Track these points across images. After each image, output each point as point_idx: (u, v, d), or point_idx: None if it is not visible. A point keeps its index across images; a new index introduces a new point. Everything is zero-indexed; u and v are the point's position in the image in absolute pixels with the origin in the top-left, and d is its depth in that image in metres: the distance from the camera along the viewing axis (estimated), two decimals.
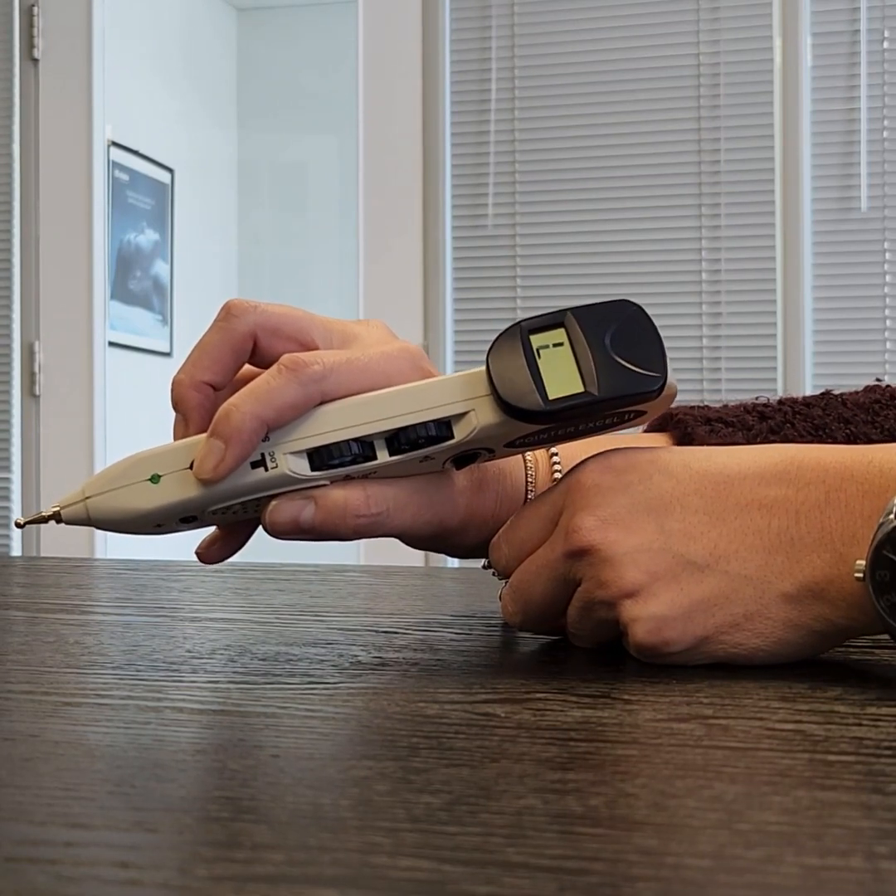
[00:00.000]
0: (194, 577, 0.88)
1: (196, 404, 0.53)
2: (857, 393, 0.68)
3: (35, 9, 3.44)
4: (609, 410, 0.51)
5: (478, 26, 3.26)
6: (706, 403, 0.67)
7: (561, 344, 0.50)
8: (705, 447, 0.53)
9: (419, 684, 0.47)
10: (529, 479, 0.59)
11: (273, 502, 0.52)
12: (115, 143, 3.93)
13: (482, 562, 0.64)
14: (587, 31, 3.21)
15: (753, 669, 0.49)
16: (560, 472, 0.60)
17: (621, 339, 0.50)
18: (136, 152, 4.15)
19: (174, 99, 4.48)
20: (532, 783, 0.34)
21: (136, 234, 4.21)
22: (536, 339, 0.50)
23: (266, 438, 0.51)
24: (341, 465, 0.51)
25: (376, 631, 0.61)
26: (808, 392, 3.01)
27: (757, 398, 0.67)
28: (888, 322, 3.04)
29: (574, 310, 0.50)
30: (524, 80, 3.24)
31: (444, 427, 0.51)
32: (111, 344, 3.64)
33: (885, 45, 3.04)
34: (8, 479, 3.44)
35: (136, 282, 4.19)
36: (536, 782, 0.34)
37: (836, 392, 0.68)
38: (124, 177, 4.09)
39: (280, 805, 0.32)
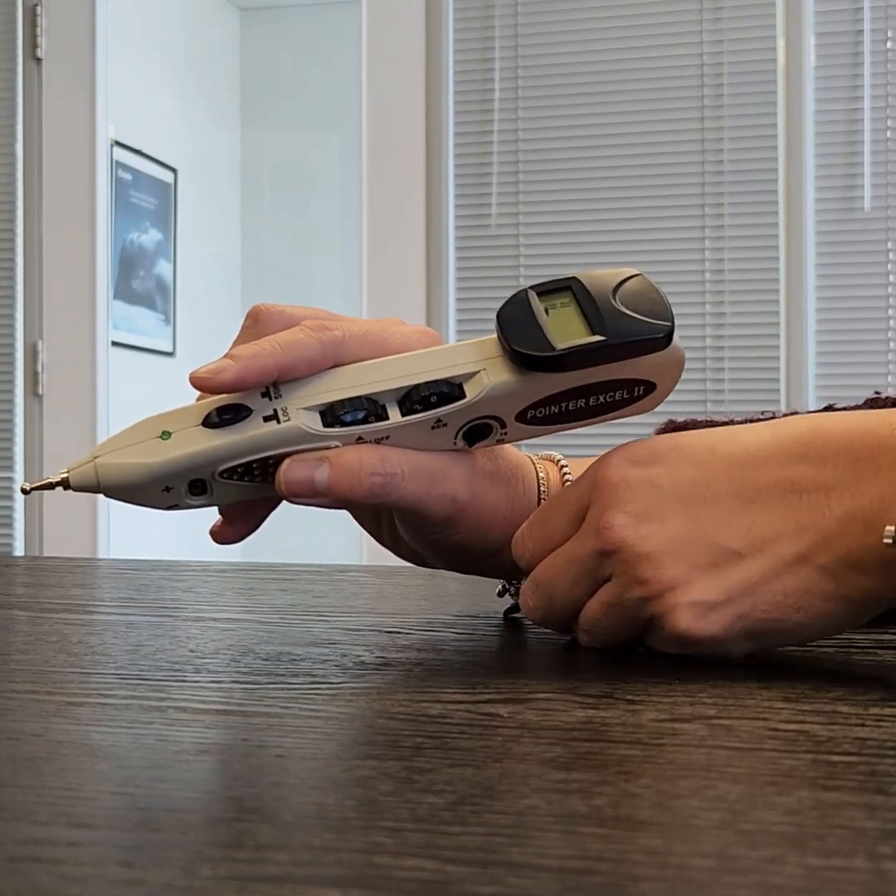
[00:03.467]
0: (198, 576, 0.88)
1: (241, 372, 0.53)
2: (858, 406, 0.68)
3: (38, 8, 3.44)
4: (620, 356, 0.50)
5: (481, 26, 3.26)
6: (709, 413, 0.67)
7: (568, 303, 0.51)
8: (727, 427, 0.52)
9: (422, 684, 0.47)
10: (542, 486, 0.58)
11: (287, 461, 0.51)
12: (118, 143, 3.93)
13: (497, 588, 0.64)
14: (590, 31, 3.21)
15: (754, 670, 0.49)
16: (571, 481, 0.60)
17: (627, 295, 0.51)
18: (139, 152, 4.15)
19: (177, 98, 4.49)
20: (536, 783, 0.34)
21: (139, 234, 4.21)
22: (544, 301, 0.51)
23: (279, 395, 0.51)
24: (353, 423, 0.51)
25: (380, 631, 0.61)
26: (812, 394, 2.99)
27: (763, 413, 0.67)
28: (892, 322, 3.04)
29: (579, 275, 0.52)
30: (527, 80, 3.24)
31: (456, 388, 0.51)
32: (114, 344, 3.64)
33: (889, 44, 3.04)
34: (10, 479, 3.44)
35: (139, 281, 4.19)
36: (540, 782, 0.34)
37: (840, 405, 0.68)
38: (127, 176, 4.09)
39: (284, 805, 0.32)
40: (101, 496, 0.52)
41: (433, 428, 0.52)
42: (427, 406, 0.51)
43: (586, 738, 0.39)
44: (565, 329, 0.50)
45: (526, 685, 0.47)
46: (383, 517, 0.60)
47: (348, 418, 0.51)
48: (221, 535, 0.56)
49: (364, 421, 0.51)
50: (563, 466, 0.60)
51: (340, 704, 0.44)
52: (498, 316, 0.51)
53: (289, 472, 0.51)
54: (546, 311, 0.51)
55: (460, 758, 0.36)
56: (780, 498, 0.49)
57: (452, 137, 3.28)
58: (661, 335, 0.51)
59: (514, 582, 0.61)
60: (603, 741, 0.39)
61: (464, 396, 0.51)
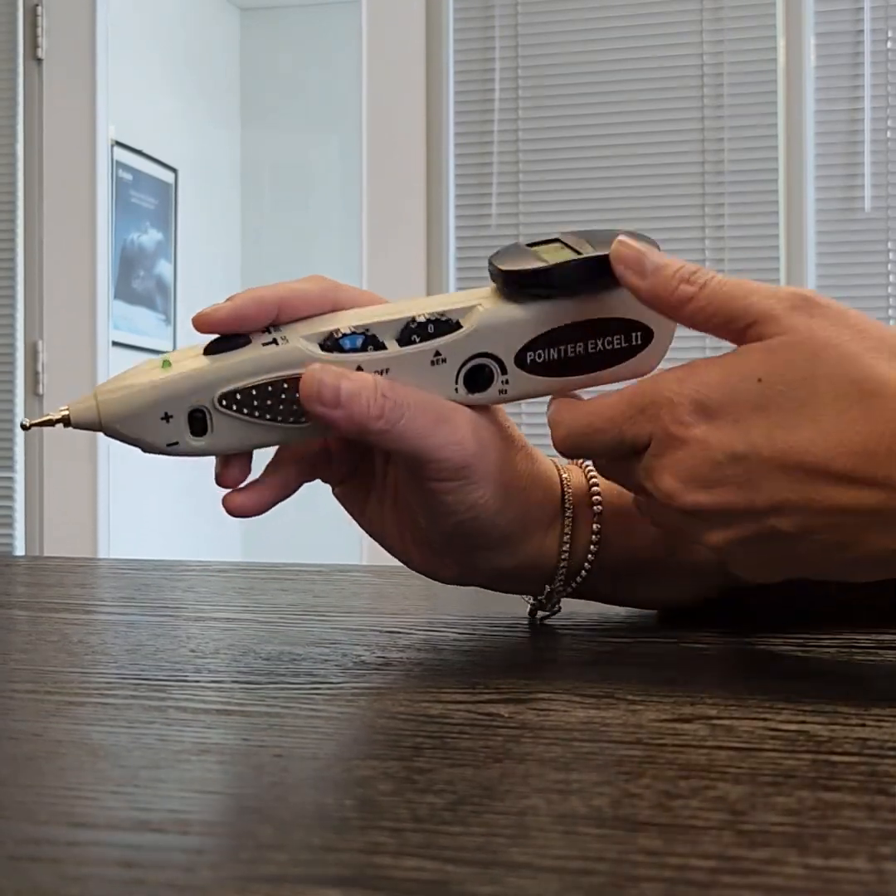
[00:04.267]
0: (198, 576, 0.88)
1: (241, 306, 0.53)
2: None
3: (39, 8, 3.44)
4: (608, 271, 0.51)
5: (481, 25, 3.26)
6: None
7: (558, 247, 0.53)
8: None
9: (423, 684, 0.47)
10: (567, 492, 0.57)
11: (315, 364, 0.50)
12: (118, 143, 3.93)
13: (528, 605, 0.63)
14: (591, 31, 3.21)
15: (754, 670, 0.49)
16: (599, 495, 0.58)
17: (611, 236, 0.53)
18: (139, 152, 4.15)
19: (177, 98, 4.49)
20: (536, 783, 0.34)
21: (139, 234, 4.21)
22: (533, 246, 0.54)
23: (278, 330, 0.52)
24: (352, 350, 0.51)
25: (380, 631, 0.61)
26: None
27: None
28: (892, 323, 3.04)
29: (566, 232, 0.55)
30: (528, 80, 3.24)
31: (453, 323, 0.52)
32: (114, 343, 3.64)
33: (889, 44, 3.04)
34: (11, 479, 3.44)
35: (139, 281, 4.19)
36: (540, 782, 0.34)
37: None
38: (128, 176, 4.09)
39: (284, 805, 0.32)
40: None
41: (433, 364, 0.52)
42: (424, 337, 0.52)
43: (587, 738, 0.39)
44: (555, 255, 0.53)
45: (526, 685, 0.47)
46: (405, 517, 0.57)
47: (347, 344, 0.51)
48: (235, 503, 0.53)
49: (363, 349, 0.52)
50: (588, 467, 0.59)
51: (341, 704, 0.44)
52: (489, 258, 0.53)
53: (317, 373, 0.50)
54: (537, 254, 0.53)
55: (460, 758, 0.36)
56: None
57: (452, 137, 3.28)
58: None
59: (539, 597, 0.60)
60: (603, 741, 0.39)
61: (460, 327, 0.52)
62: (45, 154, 3.44)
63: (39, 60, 3.45)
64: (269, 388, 0.51)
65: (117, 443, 0.53)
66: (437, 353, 0.52)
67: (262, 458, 0.55)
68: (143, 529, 3.97)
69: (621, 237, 0.51)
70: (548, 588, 0.59)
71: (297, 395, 0.51)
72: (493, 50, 3.25)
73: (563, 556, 0.58)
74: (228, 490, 0.54)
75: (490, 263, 0.53)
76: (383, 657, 0.53)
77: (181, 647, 0.56)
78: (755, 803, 0.32)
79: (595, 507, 0.58)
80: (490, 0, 3.25)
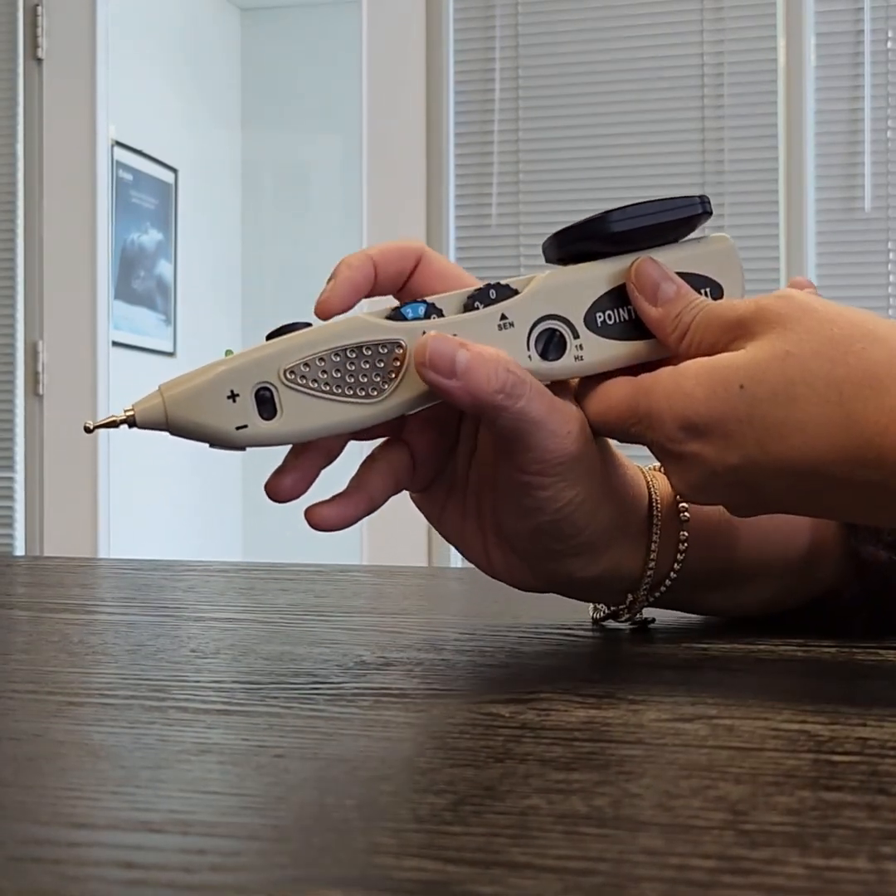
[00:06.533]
0: (198, 576, 0.88)
1: (346, 276, 0.53)
2: None
3: (39, 8, 3.44)
4: (662, 216, 0.52)
5: (481, 25, 3.26)
6: None
7: None
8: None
9: (423, 684, 0.47)
10: (655, 500, 0.56)
11: (429, 334, 0.49)
12: (118, 143, 3.93)
13: (591, 612, 0.61)
14: (591, 31, 3.20)
15: (755, 670, 0.49)
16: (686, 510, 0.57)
17: None
18: (139, 152, 4.15)
19: (178, 98, 4.49)
20: (537, 783, 0.34)
21: (139, 234, 4.21)
22: None
23: None
24: (415, 318, 0.51)
25: (380, 631, 0.61)
26: None
27: None
28: None
29: None
30: (528, 80, 3.24)
31: (514, 291, 0.52)
32: (114, 344, 3.64)
33: (889, 44, 3.03)
34: (11, 479, 3.44)
35: (139, 281, 4.19)
36: (541, 782, 0.34)
37: None
38: (128, 176, 4.09)
39: (284, 805, 0.32)
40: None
41: (500, 328, 0.51)
42: (487, 302, 0.51)
43: (588, 738, 0.39)
44: None
45: (527, 685, 0.47)
46: (486, 521, 0.55)
47: (409, 313, 0.51)
48: (278, 487, 0.51)
49: (426, 317, 0.51)
50: (681, 508, 0.57)
51: (341, 704, 0.44)
52: (543, 244, 0.54)
53: (434, 342, 0.49)
54: None
55: (461, 758, 0.36)
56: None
57: (453, 137, 3.28)
58: (696, 197, 0.52)
59: (619, 607, 0.59)
60: (604, 741, 0.39)
61: (519, 292, 0.52)
62: (45, 154, 3.44)
63: (39, 60, 3.45)
64: (336, 357, 0.49)
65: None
66: (504, 317, 0.51)
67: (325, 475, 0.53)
68: (143, 529, 3.97)
69: (647, 258, 0.52)
70: (630, 597, 0.58)
71: (366, 366, 0.49)
72: (494, 50, 3.25)
73: (649, 566, 0.56)
74: (279, 495, 0.52)
75: (544, 246, 0.53)
76: (383, 657, 0.53)
77: (182, 647, 0.56)
78: (756, 803, 0.32)
79: (682, 515, 0.56)
80: (490, 0, 3.25)
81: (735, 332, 0.49)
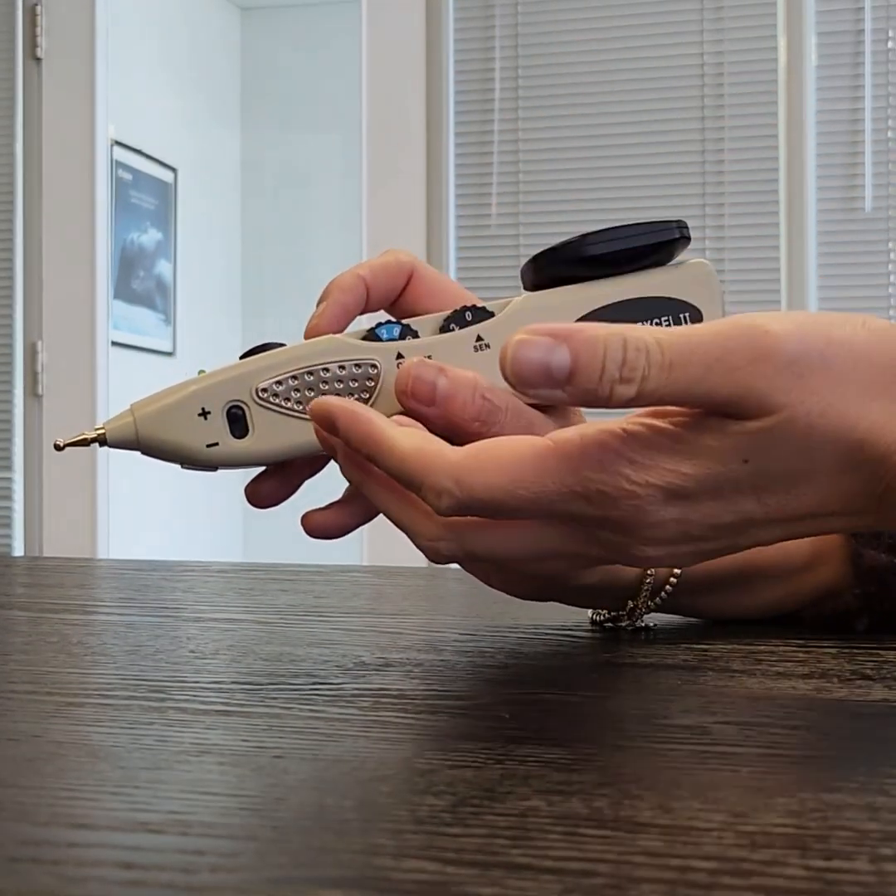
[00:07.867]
0: (198, 577, 0.88)
1: (336, 299, 0.53)
2: None
3: (38, 8, 3.44)
4: (637, 240, 0.51)
5: (481, 25, 3.26)
6: None
7: None
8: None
9: (423, 685, 0.47)
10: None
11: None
12: (118, 143, 3.93)
13: (590, 615, 0.62)
14: (591, 31, 3.20)
15: (755, 670, 0.49)
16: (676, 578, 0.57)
17: None
18: (139, 151, 4.15)
19: (178, 98, 4.48)
20: (536, 784, 0.34)
21: (139, 234, 4.21)
22: None
23: None
24: (390, 339, 0.50)
25: (380, 631, 0.61)
26: None
27: None
28: (893, 322, 3.03)
29: None
30: (528, 80, 3.24)
31: (490, 313, 0.52)
32: (114, 343, 3.64)
33: (890, 44, 3.03)
34: (10, 479, 3.44)
35: (139, 281, 4.19)
36: (541, 783, 0.34)
37: None
38: (127, 176, 4.09)
39: (284, 806, 0.32)
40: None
41: (476, 350, 0.51)
42: (463, 324, 0.51)
43: (588, 738, 0.39)
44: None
45: (526, 685, 0.47)
46: None
47: (384, 334, 0.50)
48: (257, 494, 0.51)
49: (400, 338, 0.51)
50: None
51: (341, 705, 0.44)
52: (520, 269, 0.53)
53: (416, 369, 0.47)
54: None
55: (460, 759, 0.36)
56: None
57: (453, 137, 3.28)
58: (673, 222, 0.52)
59: (619, 612, 0.59)
60: (604, 742, 0.39)
61: (494, 314, 0.52)
62: (45, 154, 3.44)
63: (39, 60, 3.45)
64: (309, 376, 0.49)
65: None
66: (479, 339, 0.51)
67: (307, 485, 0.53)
68: (142, 530, 3.97)
69: (521, 336, 0.40)
70: (631, 604, 0.58)
71: (340, 385, 0.49)
72: (493, 50, 3.25)
73: (648, 572, 0.56)
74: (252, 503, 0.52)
75: (521, 271, 0.53)
76: (383, 658, 0.53)
77: (181, 648, 0.56)
78: (756, 805, 0.32)
79: None
80: (490, 0, 3.25)
81: (731, 401, 0.40)
